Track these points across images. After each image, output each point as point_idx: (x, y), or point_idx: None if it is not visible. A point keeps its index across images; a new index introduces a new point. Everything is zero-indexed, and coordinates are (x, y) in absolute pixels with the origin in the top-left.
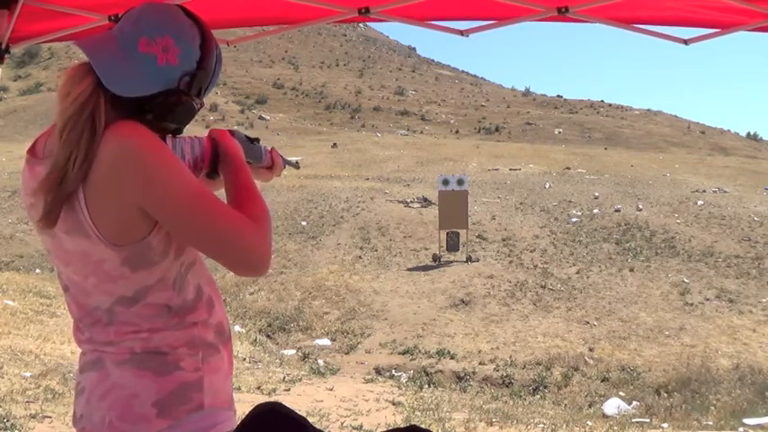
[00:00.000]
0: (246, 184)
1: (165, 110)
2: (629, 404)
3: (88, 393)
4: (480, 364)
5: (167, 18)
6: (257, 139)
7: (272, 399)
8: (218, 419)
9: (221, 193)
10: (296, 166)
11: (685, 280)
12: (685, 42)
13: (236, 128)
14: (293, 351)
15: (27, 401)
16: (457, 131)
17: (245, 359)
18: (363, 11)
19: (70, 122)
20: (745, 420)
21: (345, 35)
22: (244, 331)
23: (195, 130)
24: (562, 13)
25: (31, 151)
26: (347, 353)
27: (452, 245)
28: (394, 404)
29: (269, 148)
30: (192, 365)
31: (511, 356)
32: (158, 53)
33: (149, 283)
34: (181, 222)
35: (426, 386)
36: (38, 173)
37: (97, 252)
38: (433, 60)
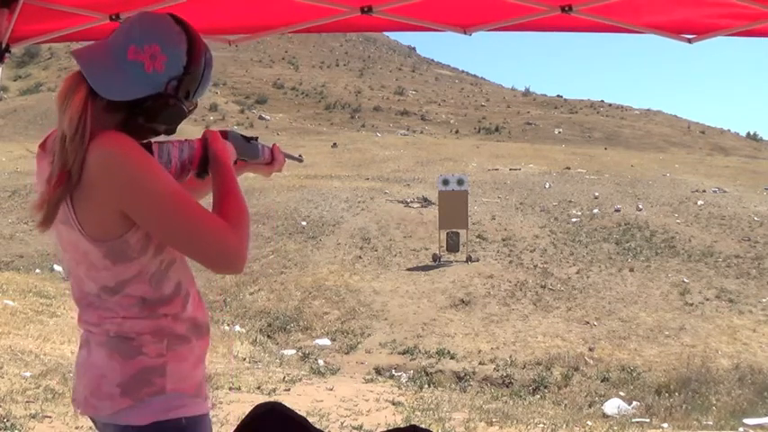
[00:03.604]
0: (229, 185)
1: (154, 112)
2: (629, 404)
3: (77, 369)
4: (480, 364)
5: (156, 27)
6: (255, 138)
7: (272, 399)
8: (179, 403)
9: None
10: (299, 159)
11: (685, 280)
12: (689, 41)
13: (234, 127)
14: (293, 351)
15: (27, 401)
16: (457, 131)
17: (245, 359)
18: (366, 9)
19: (74, 130)
20: (745, 420)
21: (345, 35)
22: (244, 331)
23: (195, 129)
24: (566, 12)
25: (42, 146)
26: (347, 353)
27: (452, 245)
28: (394, 404)
29: (269, 145)
30: (155, 352)
31: (511, 356)
32: (146, 60)
33: (127, 277)
34: (159, 225)
35: (426, 386)
36: (44, 166)
37: (83, 245)
38: (432, 60)
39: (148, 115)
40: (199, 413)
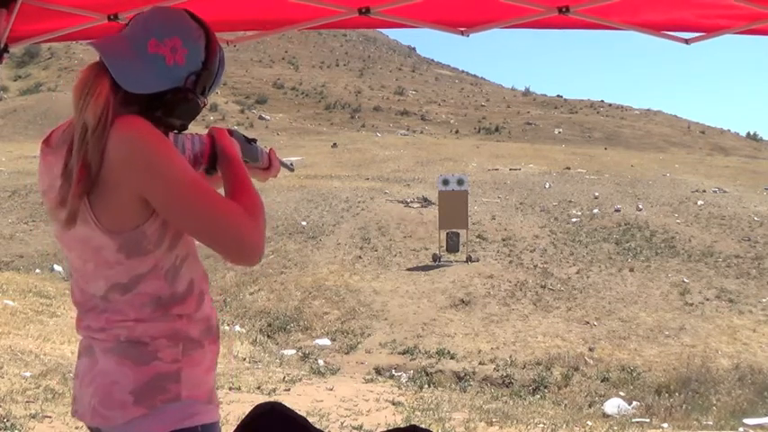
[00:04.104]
0: (242, 179)
1: (172, 106)
2: (629, 404)
3: (80, 378)
4: (480, 364)
5: (175, 21)
6: (254, 140)
7: (272, 399)
8: (194, 411)
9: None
10: (290, 168)
11: (685, 280)
12: (686, 42)
13: (235, 128)
14: (293, 351)
15: (27, 401)
16: (457, 131)
17: (245, 359)
18: (364, 10)
19: (97, 122)
20: (745, 420)
21: (345, 35)
22: (244, 331)
23: (195, 129)
24: (563, 13)
25: (46, 142)
26: (347, 353)
27: (452, 245)
28: (394, 404)
29: (267, 150)
30: (171, 357)
31: (511, 356)
32: (167, 53)
33: (142, 271)
34: (180, 210)
35: (426, 386)
36: (50, 162)
37: (96, 238)
38: (432, 60)
39: (167, 109)
40: (212, 420)
